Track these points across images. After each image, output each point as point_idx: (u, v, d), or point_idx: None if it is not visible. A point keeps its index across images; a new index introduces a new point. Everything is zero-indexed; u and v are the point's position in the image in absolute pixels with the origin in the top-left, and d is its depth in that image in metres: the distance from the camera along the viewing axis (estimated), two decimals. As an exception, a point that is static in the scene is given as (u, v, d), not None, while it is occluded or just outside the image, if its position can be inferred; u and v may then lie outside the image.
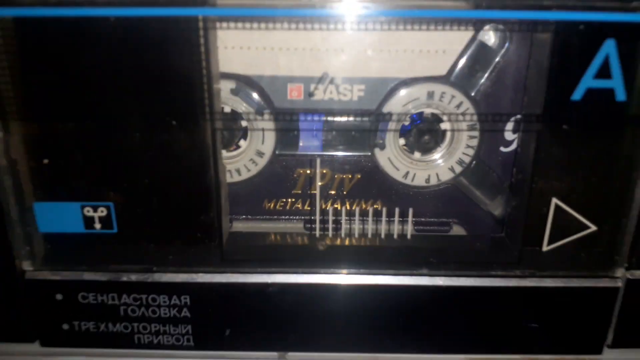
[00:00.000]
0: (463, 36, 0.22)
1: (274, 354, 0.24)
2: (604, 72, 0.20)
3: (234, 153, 0.23)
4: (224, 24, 0.19)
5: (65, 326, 0.22)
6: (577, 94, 0.20)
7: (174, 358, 0.23)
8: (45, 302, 0.22)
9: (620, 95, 0.20)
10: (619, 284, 0.23)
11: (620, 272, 0.23)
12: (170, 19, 0.18)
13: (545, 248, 0.22)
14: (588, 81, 0.20)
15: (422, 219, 0.25)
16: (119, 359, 0.23)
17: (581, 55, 0.20)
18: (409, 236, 0.24)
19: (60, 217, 0.21)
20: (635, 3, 0.19)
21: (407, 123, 0.23)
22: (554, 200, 0.22)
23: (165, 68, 0.19)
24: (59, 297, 0.21)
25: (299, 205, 0.24)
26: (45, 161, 0.20)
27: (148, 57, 0.19)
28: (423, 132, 0.24)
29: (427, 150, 0.24)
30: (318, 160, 0.23)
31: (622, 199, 0.22)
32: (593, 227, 0.22)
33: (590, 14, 0.19)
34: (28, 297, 0.22)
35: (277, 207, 0.24)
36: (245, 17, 0.19)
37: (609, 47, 0.19)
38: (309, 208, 0.24)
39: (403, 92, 0.23)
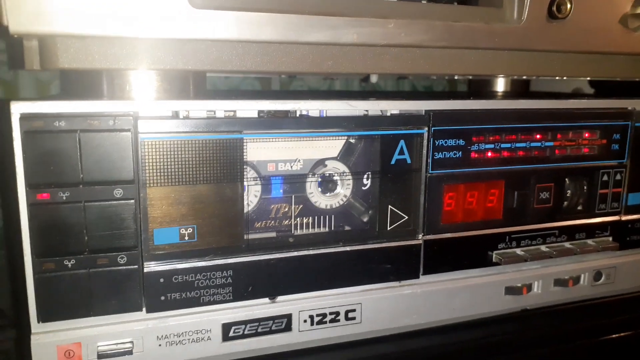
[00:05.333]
0: (343, 141, 0.49)
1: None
2: (402, 152, 0.48)
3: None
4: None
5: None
6: (393, 161, 0.48)
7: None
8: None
9: (409, 161, 0.48)
10: (421, 241, 0.50)
11: (420, 236, 0.50)
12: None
13: (389, 228, 0.49)
14: (396, 156, 0.48)
15: (332, 224, 0.49)
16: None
17: (392, 146, 0.48)
18: (326, 230, 0.49)
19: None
20: (410, 126, 0.48)
21: (321, 179, 0.49)
22: (390, 207, 0.49)
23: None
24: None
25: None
26: None
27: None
28: (328, 182, 0.50)
29: (330, 190, 0.50)
30: (291, 199, 0.48)
31: (415, 203, 0.50)
32: (406, 217, 0.50)
33: (394, 130, 0.47)
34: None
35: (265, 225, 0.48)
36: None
37: (402, 143, 0.48)
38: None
39: (319, 164, 0.49)
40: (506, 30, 0.46)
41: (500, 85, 0.83)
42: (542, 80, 0.99)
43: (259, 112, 0.44)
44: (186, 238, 0.42)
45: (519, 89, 0.84)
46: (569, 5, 0.47)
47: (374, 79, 0.61)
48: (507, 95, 0.72)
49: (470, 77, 0.76)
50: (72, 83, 0.51)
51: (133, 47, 0.39)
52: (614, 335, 0.58)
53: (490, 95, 0.72)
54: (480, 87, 0.87)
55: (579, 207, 0.55)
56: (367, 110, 0.47)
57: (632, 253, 0.59)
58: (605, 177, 0.55)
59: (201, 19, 0.38)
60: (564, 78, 0.83)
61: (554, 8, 0.47)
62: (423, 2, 0.48)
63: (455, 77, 0.85)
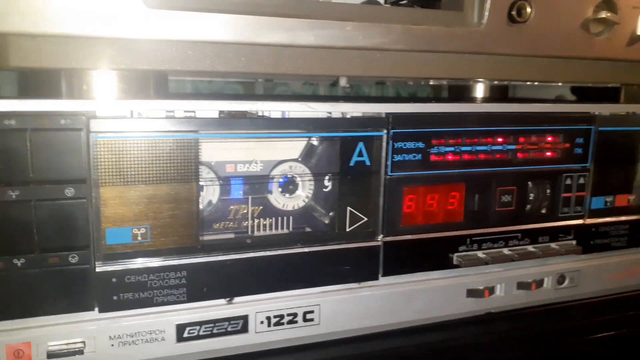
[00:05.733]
0: (304, 142, 0.49)
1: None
2: (361, 154, 0.48)
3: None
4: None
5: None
6: (352, 163, 0.48)
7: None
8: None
9: (368, 163, 0.48)
10: (380, 243, 0.50)
11: (380, 237, 0.50)
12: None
13: (347, 229, 0.49)
14: (355, 158, 0.48)
15: (292, 225, 0.49)
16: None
17: (351, 148, 0.47)
18: (286, 232, 0.49)
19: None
20: (369, 128, 0.48)
21: (282, 180, 0.49)
22: (349, 209, 0.49)
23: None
24: None
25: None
26: None
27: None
28: (289, 184, 0.50)
29: (291, 192, 0.50)
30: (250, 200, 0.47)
31: (374, 205, 0.50)
32: (366, 218, 0.50)
33: (353, 133, 0.47)
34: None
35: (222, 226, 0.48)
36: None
37: (361, 145, 0.48)
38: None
39: (280, 166, 0.49)
40: (466, 33, 0.46)
41: (480, 91, 0.83)
42: (523, 87, 0.99)
43: (220, 112, 0.44)
44: (139, 238, 0.42)
45: (497, 95, 0.85)
46: (529, 10, 0.47)
47: (342, 82, 0.61)
48: (473, 100, 0.73)
49: (445, 83, 0.76)
50: (30, 83, 0.51)
51: (87, 46, 0.39)
52: (580, 339, 0.59)
53: (463, 100, 0.73)
54: (459, 93, 0.87)
55: (543, 211, 0.56)
56: (329, 113, 0.47)
57: (596, 257, 0.59)
58: (568, 181, 0.55)
59: (155, 19, 0.38)
60: (545, 85, 0.84)
61: (514, 12, 0.47)
62: (385, 5, 0.48)
63: (431, 83, 0.85)
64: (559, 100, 0.70)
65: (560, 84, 0.67)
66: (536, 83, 0.77)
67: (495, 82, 0.73)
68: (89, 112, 0.39)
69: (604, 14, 0.50)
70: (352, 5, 0.44)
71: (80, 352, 0.41)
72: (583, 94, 0.88)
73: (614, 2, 0.51)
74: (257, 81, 0.86)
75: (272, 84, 0.93)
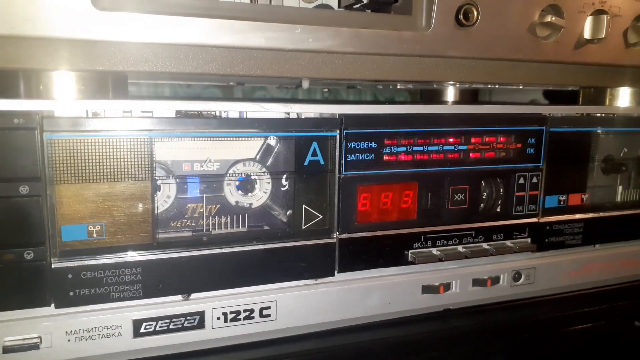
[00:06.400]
0: (261, 142, 0.50)
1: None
2: (315, 154, 0.49)
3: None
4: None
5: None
6: (306, 162, 0.49)
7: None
8: None
9: (322, 162, 0.50)
10: (335, 240, 0.52)
11: (335, 234, 0.51)
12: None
13: (303, 227, 0.50)
14: (309, 157, 0.49)
15: (249, 223, 0.50)
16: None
17: (305, 148, 0.49)
18: (244, 230, 0.50)
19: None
20: (323, 128, 0.49)
21: (238, 180, 0.51)
22: (304, 207, 0.50)
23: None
24: None
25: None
26: None
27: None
28: (246, 183, 0.51)
29: (249, 190, 0.51)
30: (204, 198, 0.49)
31: (329, 203, 0.51)
32: (321, 216, 0.51)
33: (307, 133, 0.49)
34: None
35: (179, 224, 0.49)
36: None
37: (315, 144, 0.49)
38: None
39: (237, 165, 0.50)
40: (414, 37, 0.48)
41: (451, 95, 0.86)
42: (497, 91, 1.01)
43: (177, 112, 0.45)
44: (95, 235, 0.43)
45: (468, 98, 0.87)
46: (475, 13, 0.49)
47: (305, 84, 0.62)
48: (442, 103, 0.75)
49: (400, 87, 0.78)
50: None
51: (39, 47, 0.40)
52: (536, 336, 0.60)
53: (433, 103, 0.74)
54: (432, 97, 0.89)
55: (497, 209, 0.57)
56: (287, 114, 0.48)
57: (551, 255, 0.61)
58: (521, 180, 0.57)
59: (105, 20, 0.40)
60: (521, 88, 0.86)
61: (461, 16, 0.49)
62: (337, 9, 0.50)
63: (405, 87, 0.87)
64: (518, 103, 0.72)
65: (531, 88, 0.69)
66: (515, 87, 0.79)
67: (467, 86, 0.75)
68: (43, 111, 0.40)
69: (549, 18, 0.52)
70: (302, 9, 0.46)
71: (36, 347, 0.42)
72: (555, 97, 0.91)
73: (560, 6, 0.53)
74: (235, 85, 0.87)
75: (251, 88, 0.95)
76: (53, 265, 0.42)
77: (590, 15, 0.54)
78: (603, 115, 0.61)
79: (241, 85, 0.91)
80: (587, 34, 0.55)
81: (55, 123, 0.41)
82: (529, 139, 0.57)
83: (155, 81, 0.83)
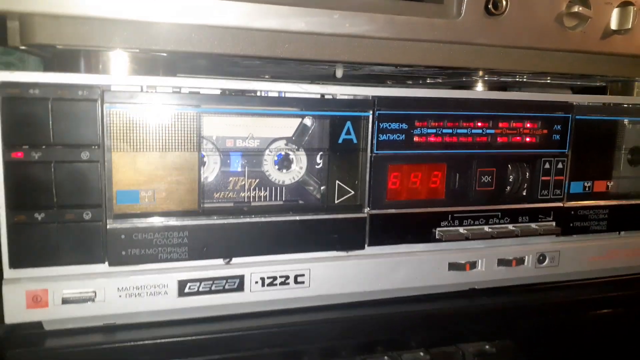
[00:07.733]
0: (298, 121, 0.54)
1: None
2: (349, 133, 0.53)
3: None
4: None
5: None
6: (340, 140, 0.53)
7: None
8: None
9: (355, 141, 0.53)
10: (366, 215, 0.55)
11: (366, 210, 0.55)
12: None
13: (336, 202, 0.54)
14: (343, 136, 0.53)
15: (286, 197, 0.54)
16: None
17: (339, 127, 0.52)
18: (280, 203, 0.54)
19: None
20: (357, 109, 0.52)
21: (277, 157, 0.54)
22: (337, 182, 0.54)
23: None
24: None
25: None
26: None
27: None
28: (284, 160, 0.54)
29: (286, 167, 0.54)
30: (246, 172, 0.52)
31: (361, 180, 0.54)
32: (353, 192, 0.54)
33: (341, 112, 0.52)
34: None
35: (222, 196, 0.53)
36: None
37: (348, 124, 0.52)
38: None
39: (275, 143, 0.53)
40: (445, 24, 0.51)
41: (480, 89, 0.88)
42: (525, 88, 1.03)
43: (222, 90, 0.49)
44: (146, 200, 0.47)
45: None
46: (504, 3, 0.52)
47: (339, 73, 0.66)
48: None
49: (440, 81, 0.80)
50: (54, 65, 0.56)
51: (102, 28, 0.45)
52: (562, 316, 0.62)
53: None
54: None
55: (523, 193, 0.59)
56: (323, 95, 0.52)
57: (576, 239, 0.63)
58: (547, 165, 0.59)
59: (159, 4, 0.44)
60: (548, 82, 0.88)
61: (490, 5, 0.51)
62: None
63: (428, 81, 0.90)
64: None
65: (548, 80, 0.71)
66: (542, 81, 0.81)
67: (495, 78, 0.78)
68: (104, 85, 0.45)
69: (577, 9, 0.54)
70: (340, -4, 0.49)
71: (91, 299, 0.46)
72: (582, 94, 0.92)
73: (587, -3, 0.55)
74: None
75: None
76: (108, 226, 0.46)
77: (617, 6, 0.56)
78: (630, 105, 0.62)
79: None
80: (613, 25, 0.57)
81: (115, 96, 0.45)
82: (555, 126, 0.59)
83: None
